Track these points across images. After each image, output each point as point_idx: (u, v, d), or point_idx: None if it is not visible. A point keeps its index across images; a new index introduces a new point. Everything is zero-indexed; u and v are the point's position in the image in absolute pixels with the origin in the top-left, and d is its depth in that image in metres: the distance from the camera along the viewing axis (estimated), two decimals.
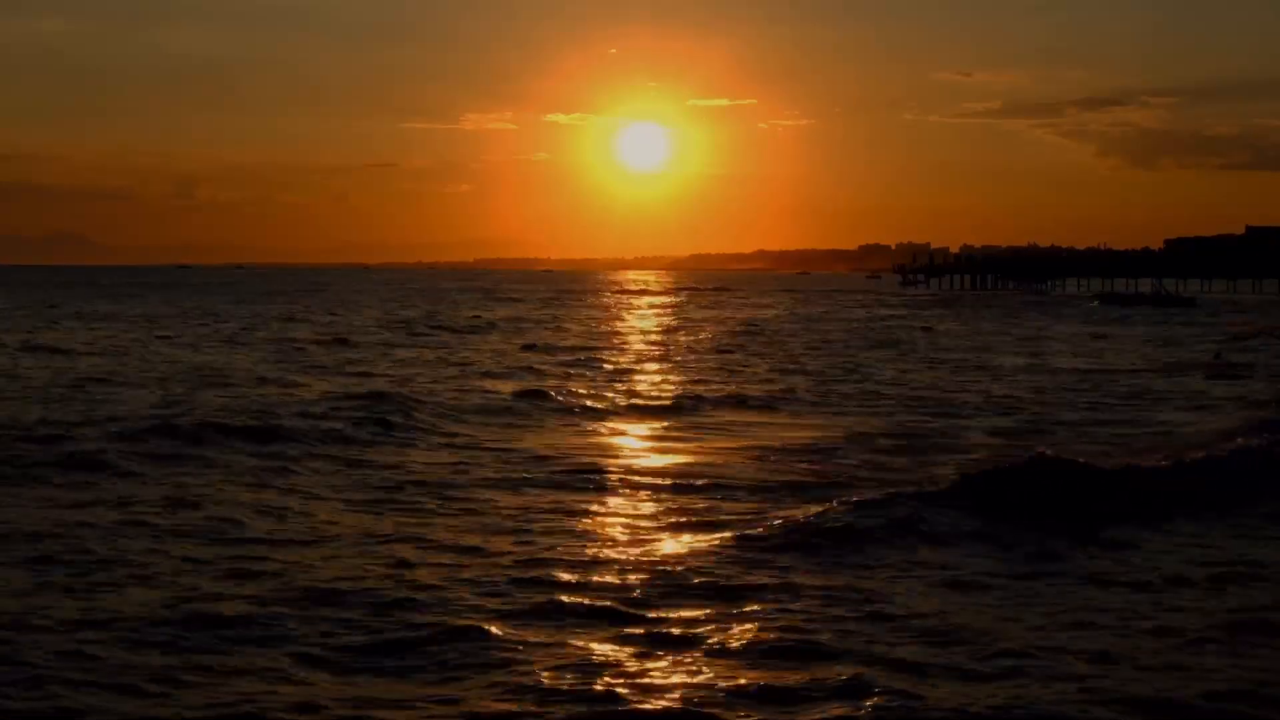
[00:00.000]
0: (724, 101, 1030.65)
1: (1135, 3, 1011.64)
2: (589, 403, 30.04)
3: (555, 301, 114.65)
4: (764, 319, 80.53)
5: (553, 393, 31.24)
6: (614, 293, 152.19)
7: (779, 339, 58.90)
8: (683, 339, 58.96)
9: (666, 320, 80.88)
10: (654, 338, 60.38)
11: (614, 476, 19.62)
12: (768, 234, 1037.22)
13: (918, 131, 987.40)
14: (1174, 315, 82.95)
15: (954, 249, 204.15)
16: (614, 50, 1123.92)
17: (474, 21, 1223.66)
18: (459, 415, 27.08)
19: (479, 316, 79.65)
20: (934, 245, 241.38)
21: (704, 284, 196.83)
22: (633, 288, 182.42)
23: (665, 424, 26.50)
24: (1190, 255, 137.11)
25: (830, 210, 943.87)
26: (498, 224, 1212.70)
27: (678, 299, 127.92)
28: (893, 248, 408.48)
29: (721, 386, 34.22)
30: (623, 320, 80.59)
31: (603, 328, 70.12)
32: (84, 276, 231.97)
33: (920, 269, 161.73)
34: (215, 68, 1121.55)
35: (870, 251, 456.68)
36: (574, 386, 33.61)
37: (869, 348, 51.65)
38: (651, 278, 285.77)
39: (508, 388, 32.75)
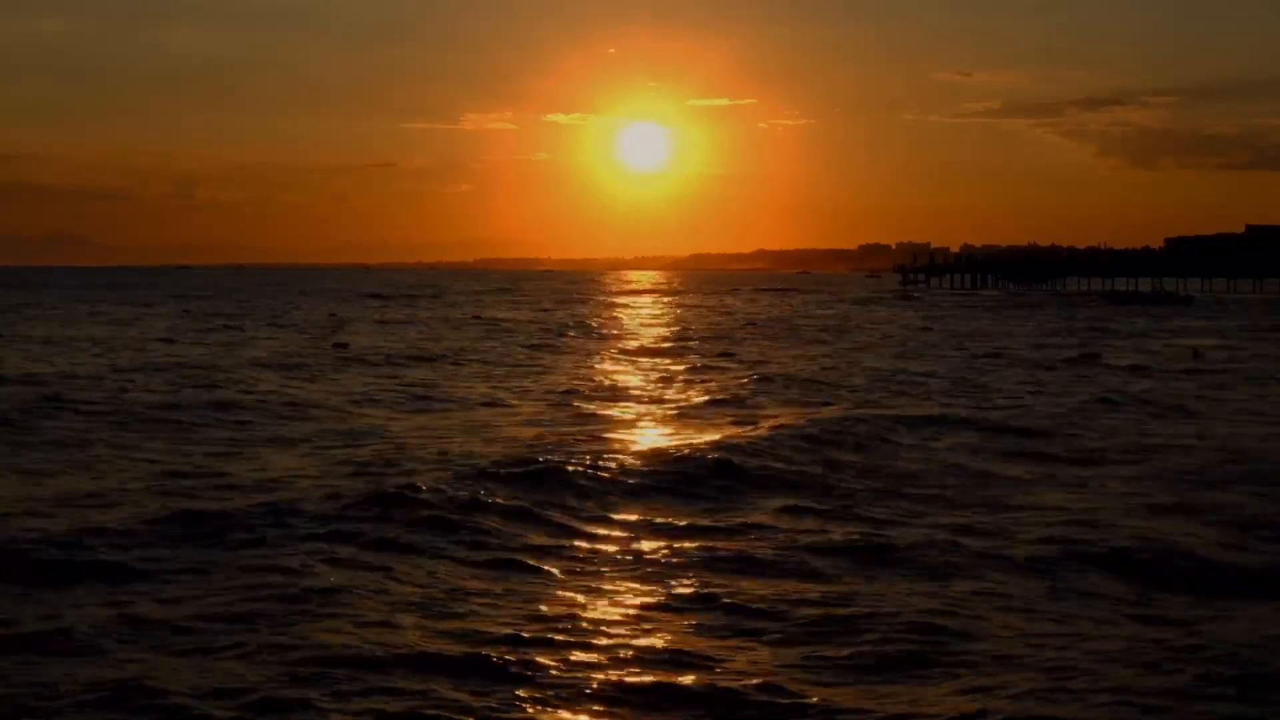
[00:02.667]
0: (724, 101, 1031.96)
1: (1135, 3, 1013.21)
2: None
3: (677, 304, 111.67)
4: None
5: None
6: (718, 293, 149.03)
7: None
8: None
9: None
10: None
11: None
12: (768, 234, 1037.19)
13: (918, 131, 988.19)
14: (1170, 313, 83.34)
15: (954, 249, 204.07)
16: (614, 50, 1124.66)
17: (474, 21, 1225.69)
18: None
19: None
20: (934, 245, 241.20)
21: (743, 285, 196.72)
22: (657, 286, 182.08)
23: None
24: (1190, 254, 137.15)
25: (830, 210, 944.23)
26: (498, 224, 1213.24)
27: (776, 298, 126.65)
28: (893, 247, 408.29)
29: None
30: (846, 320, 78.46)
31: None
32: (88, 278, 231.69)
33: (920, 269, 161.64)
34: (215, 68, 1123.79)
35: (870, 251, 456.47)
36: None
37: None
38: (658, 278, 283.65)
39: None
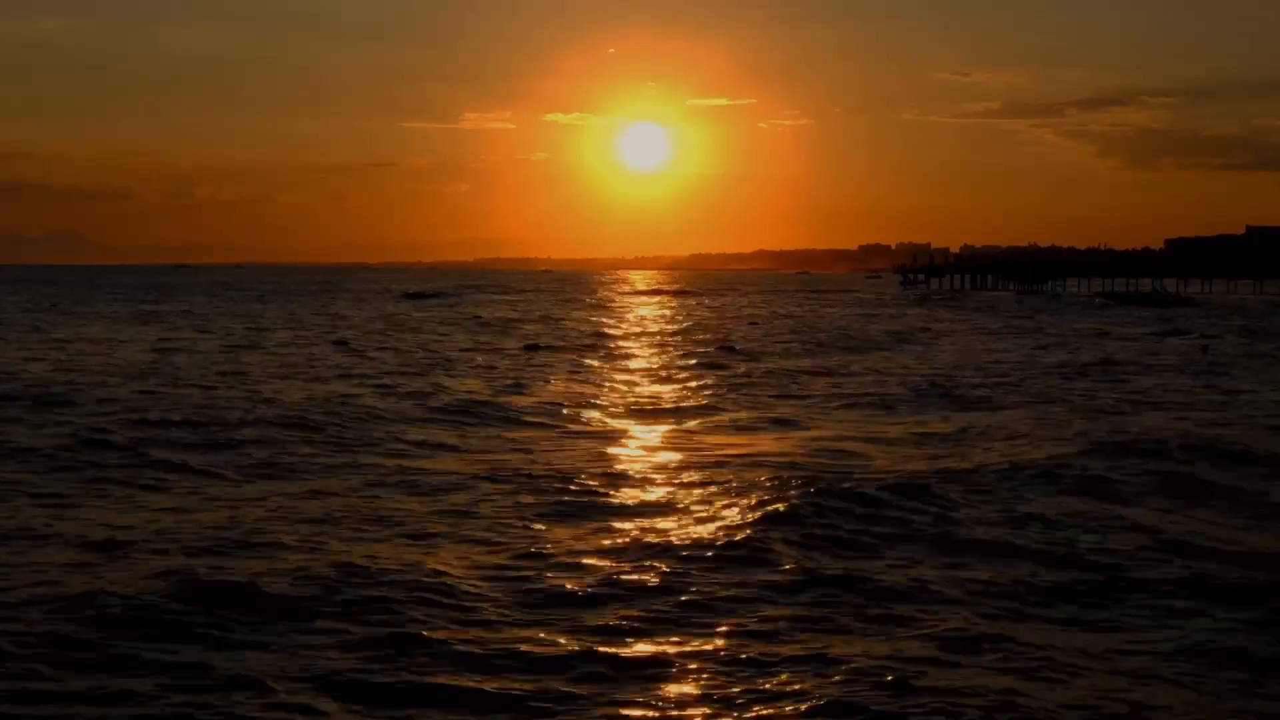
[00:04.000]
0: (723, 101, 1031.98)
1: (1135, 3, 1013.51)
2: None
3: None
4: None
5: None
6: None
7: None
8: None
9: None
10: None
11: None
12: (768, 234, 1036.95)
13: (918, 131, 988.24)
14: (1174, 314, 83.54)
15: (954, 249, 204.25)
16: (614, 50, 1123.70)
17: (474, 21, 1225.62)
18: None
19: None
20: (934, 245, 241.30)
21: (765, 287, 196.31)
22: (691, 289, 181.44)
23: None
24: (1191, 255, 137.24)
25: (830, 210, 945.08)
26: (498, 224, 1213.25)
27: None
28: (893, 248, 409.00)
29: None
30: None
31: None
32: (87, 277, 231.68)
33: (920, 269, 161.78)
34: (215, 68, 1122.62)
35: (870, 251, 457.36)
36: None
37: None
38: (669, 278, 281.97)
39: None
